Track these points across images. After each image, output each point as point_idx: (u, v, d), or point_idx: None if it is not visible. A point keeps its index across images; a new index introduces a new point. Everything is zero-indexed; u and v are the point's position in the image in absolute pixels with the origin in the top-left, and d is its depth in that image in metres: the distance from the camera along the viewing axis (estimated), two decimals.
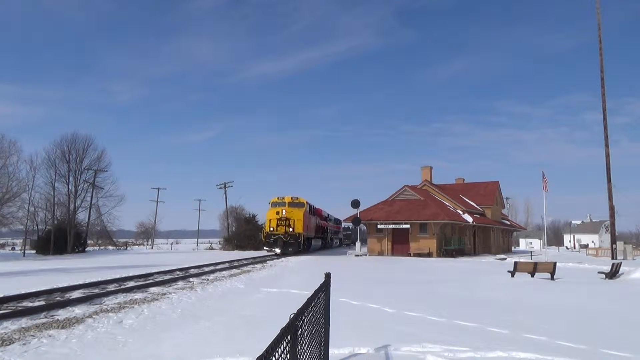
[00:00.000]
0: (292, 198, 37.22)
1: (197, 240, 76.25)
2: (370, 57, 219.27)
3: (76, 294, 12.03)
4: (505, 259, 34.66)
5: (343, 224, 68.12)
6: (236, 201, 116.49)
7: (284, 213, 35.77)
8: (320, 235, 47.04)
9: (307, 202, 38.11)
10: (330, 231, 56.27)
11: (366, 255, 38.10)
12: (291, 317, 2.67)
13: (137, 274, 17.42)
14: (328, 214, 54.20)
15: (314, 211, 42.86)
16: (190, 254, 40.96)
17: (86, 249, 45.74)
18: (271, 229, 35.74)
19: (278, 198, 37.45)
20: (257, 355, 1.79)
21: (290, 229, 35.22)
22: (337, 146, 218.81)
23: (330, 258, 33.98)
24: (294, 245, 34.96)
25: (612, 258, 35.02)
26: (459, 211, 42.86)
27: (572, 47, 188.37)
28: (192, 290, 13.23)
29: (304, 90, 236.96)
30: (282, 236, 35.06)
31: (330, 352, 5.20)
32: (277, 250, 35.23)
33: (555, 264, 19.16)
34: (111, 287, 13.59)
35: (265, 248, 36.86)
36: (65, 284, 13.84)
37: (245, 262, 26.75)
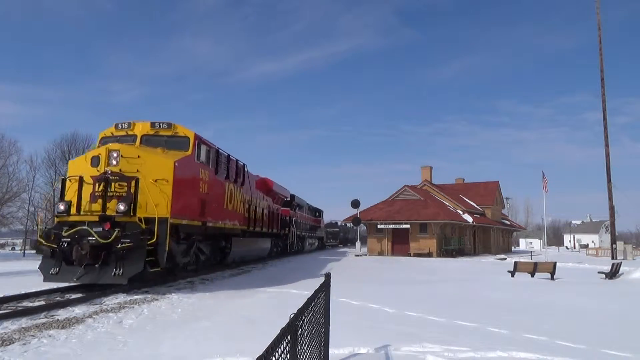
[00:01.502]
0: (153, 125, 13.44)
1: None
2: (371, 57, 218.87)
3: (76, 294, 12.01)
4: (505, 259, 34.70)
5: (335, 220, 61.52)
6: None
7: (114, 161, 11.48)
8: (272, 229, 24.64)
9: (199, 139, 13.98)
10: (302, 226, 35.51)
11: (366, 255, 38.12)
12: (291, 317, 2.67)
13: None
14: (294, 196, 32.35)
15: (239, 172, 18.17)
16: None
17: None
18: (62, 208, 11.46)
19: (116, 127, 13.56)
20: (257, 355, 1.79)
21: (123, 207, 10.96)
22: (337, 146, 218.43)
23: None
24: (133, 258, 10.87)
25: (612, 258, 35.06)
26: (459, 211, 42.91)
27: (572, 47, 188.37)
28: (192, 290, 13.23)
29: (304, 90, 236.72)
30: (88, 229, 10.90)
31: (330, 352, 5.20)
32: (75, 280, 11.08)
33: (555, 264, 19.19)
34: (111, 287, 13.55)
35: (40, 268, 11.49)
36: (65, 284, 13.80)
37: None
